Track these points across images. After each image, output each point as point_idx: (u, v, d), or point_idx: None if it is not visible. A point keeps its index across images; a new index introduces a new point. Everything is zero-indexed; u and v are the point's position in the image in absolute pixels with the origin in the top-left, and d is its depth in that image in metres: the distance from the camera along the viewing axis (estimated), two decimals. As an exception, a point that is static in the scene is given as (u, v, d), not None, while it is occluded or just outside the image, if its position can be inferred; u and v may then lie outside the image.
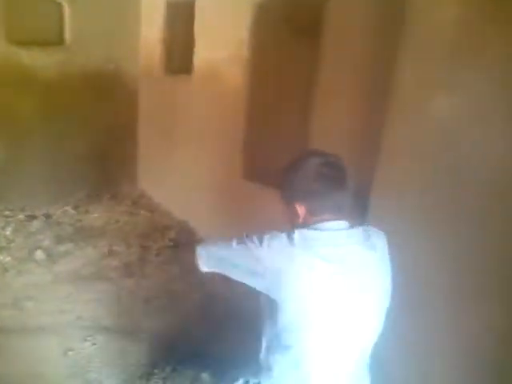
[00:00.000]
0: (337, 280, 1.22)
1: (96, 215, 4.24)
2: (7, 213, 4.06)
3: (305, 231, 1.26)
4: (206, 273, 1.45)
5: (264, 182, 3.28)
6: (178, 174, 4.17)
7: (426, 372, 2.07)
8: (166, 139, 4.33)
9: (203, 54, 3.76)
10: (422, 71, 2.09)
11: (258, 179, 3.33)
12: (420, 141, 2.13)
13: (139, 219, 4.23)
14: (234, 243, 1.32)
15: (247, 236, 1.31)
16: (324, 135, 3.41)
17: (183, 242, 3.80)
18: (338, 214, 1.29)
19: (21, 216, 4.00)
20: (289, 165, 1.40)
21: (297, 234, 1.24)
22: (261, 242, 1.25)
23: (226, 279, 1.37)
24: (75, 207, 4.33)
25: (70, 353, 2.42)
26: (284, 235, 1.25)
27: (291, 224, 1.36)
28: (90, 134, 4.48)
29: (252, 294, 1.33)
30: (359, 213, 2.34)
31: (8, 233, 3.68)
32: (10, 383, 2.19)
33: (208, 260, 1.44)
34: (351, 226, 1.30)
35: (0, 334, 2.52)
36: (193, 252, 1.50)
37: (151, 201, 4.64)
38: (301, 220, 1.32)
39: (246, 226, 3.43)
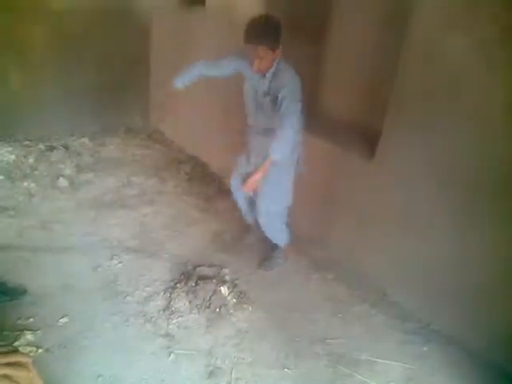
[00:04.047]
0: None
1: (112, 147, 4.36)
2: (27, 142, 4.18)
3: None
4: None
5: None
6: (189, 110, 4.22)
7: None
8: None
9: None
10: (438, 11, 2.12)
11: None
12: (430, 83, 2.21)
13: (155, 153, 4.36)
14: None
15: None
16: (337, 79, 3.45)
17: (197, 176, 3.96)
18: None
19: (41, 146, 4.13)
20: (268, 20, 2.13)
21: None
22: None
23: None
24: (92, 139, 4.44)
25: (99, 269, 2.64)
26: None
27: (266, 68, 2.21)
28: (103, 67, 4.49)
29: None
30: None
31: (31, 161, 3.83)
32: (43, 292, 2.39)
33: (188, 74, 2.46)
34: None
35: (31, 252, 2.72)
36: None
37: (164, 136, 4.74)
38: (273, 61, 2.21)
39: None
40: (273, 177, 2.42)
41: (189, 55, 4.28)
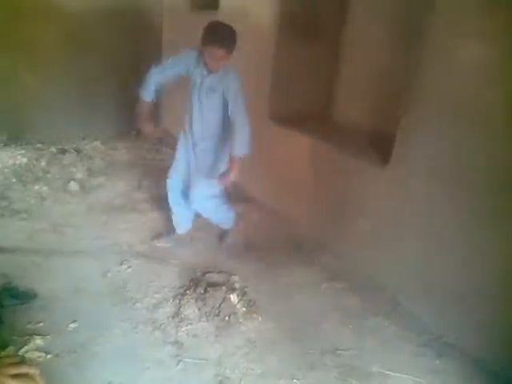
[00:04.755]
0: None
1: (124, 151, 4.38)
2: (39, 145, 4.22)
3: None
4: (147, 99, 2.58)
5: (288, 123, 3.36)
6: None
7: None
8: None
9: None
10: (456, 18, 2.10)
11: (282, 120, 3.40)
12: (445, 90, 2.19)
13: (165, 156, 4.37)
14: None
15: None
16: (351, 82, 3.43)
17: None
18: None
19: (53, 149, 4.16)
20: (231, 29, 2.35)
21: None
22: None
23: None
24: (103, 142, 4.47)
25: (109, 274, 2.64)
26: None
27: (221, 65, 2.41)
28: (114, 71, 4.52)
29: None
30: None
31: (43, 164, 3.86)
32: (53, 296, 2.39)
33: (150, 84, 2.56)
34: None
35: (42, 255, 2.73)
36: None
37: (175, 139, 4.73)
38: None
39: (268, 163, 3.58)
40: (205, 161, 2.70)
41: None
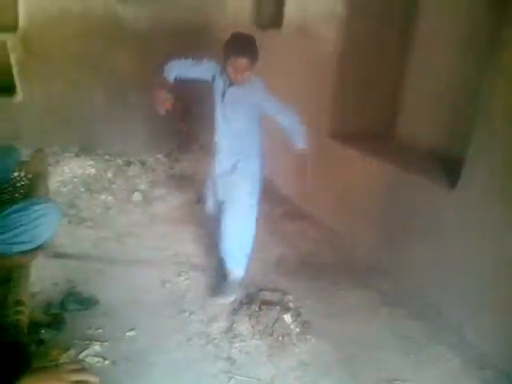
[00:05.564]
0: None
1: (185, 164, 4.51)
2: (107, 157, 4.45)
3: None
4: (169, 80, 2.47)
5: (348, 142, 3.30)
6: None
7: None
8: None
9: (295, 7, 3.72)
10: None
11: (343, 139, 3.35)
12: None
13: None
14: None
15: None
16: (417, 98, 3.32)
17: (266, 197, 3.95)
18: None
19: (119, 161, 4.37)
20: (252, 38, 2.35)
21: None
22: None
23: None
24: (166, 155, 4.63)
25: (167, 285, 2.70)
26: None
27: (246, 78, 2.34)
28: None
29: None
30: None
31: (110, 175, 4.06)
32: (113, 303, 2.48)
33: (172, 69, 2.47)
34: None
35: (105, 263, 2.85)
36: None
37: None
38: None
39: (328, 182, 3.52)
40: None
41: (263, 77, 4.35)
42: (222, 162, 2.64)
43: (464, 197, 2.38)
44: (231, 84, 2.43)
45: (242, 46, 2.31)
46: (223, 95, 2.47)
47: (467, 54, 2.84)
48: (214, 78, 2.50)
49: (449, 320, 2.51)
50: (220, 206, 2.66)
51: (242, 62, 2.30)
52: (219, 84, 2.48)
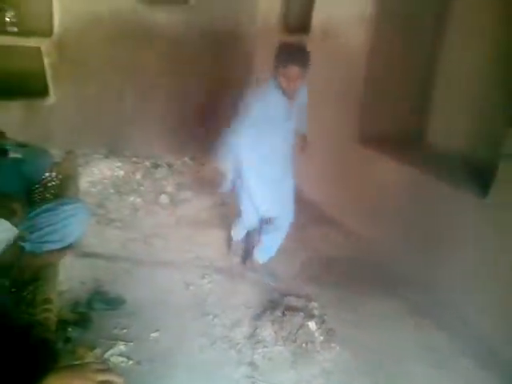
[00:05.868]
0: None
1: (212, 167, 4.53)
2: (135, 159, 4.52)
3: None
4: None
5: (379, 148, 3.25)
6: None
7: None
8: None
9: (323, 12, 3.70)
10: None
11: (373, 145, 3.30)
12: None
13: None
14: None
15: None
16: (447, 104, 3.25)
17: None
18: None
19: (147, 163, 4.44)
20: (304, 47, 2.37)
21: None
22: None
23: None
24: (192, 158, 4.67)
25: (191, 287, 2.71)
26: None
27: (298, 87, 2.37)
28: (206, 91, 4.73)
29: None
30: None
31: (138, 177, 4.12)
32: (139, 304, 2.50)
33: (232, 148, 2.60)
34: None
35: (132, 264, 2.89)
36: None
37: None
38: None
39: (355, 187, 3.48)
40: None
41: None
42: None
43: (496, 206, 2.30)
44: (286, 97, 2.41)
45: (293, 54, 2.32)
46: (280, 110, 2.42)
47: (501, 57, 2.76)
48: (269, 101, 2.40)
49: (479, 334, 2.42)
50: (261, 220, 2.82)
51: (296, 70, 2.29)
52: (275, 102, 2.40)
